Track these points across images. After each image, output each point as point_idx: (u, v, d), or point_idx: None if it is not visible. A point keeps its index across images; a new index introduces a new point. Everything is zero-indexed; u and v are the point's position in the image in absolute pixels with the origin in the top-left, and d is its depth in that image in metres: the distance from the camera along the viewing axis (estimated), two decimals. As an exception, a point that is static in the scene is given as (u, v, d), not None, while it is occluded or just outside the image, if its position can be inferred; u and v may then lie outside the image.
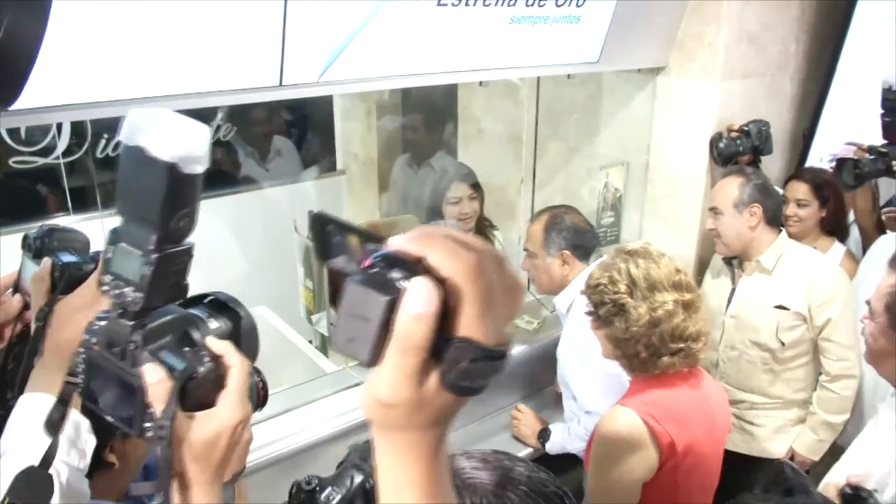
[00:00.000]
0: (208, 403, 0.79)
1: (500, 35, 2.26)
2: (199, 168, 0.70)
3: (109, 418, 0.79)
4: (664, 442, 1.69)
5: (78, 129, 3.42)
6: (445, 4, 2.06)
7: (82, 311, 0.96)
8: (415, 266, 0.53)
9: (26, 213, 3.37)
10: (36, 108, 1.47)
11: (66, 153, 3.46)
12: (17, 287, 1.17)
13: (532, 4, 2.25)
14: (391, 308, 0.52)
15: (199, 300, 0.86)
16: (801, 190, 2.89)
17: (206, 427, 0.78)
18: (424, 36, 2.09)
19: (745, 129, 2.86)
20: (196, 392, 0.77)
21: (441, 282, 0.52)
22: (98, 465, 1.12)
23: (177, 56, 1.65)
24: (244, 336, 0.85)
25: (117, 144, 3.58)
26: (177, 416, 0.75)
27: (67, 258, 1.06)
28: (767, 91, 3.02)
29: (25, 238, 1.17)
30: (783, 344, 2.52)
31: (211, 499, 0.79)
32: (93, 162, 3.48)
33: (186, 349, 0.79)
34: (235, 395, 0.79)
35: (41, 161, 3.42)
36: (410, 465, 0.58)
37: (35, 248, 1.15)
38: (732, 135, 2.85)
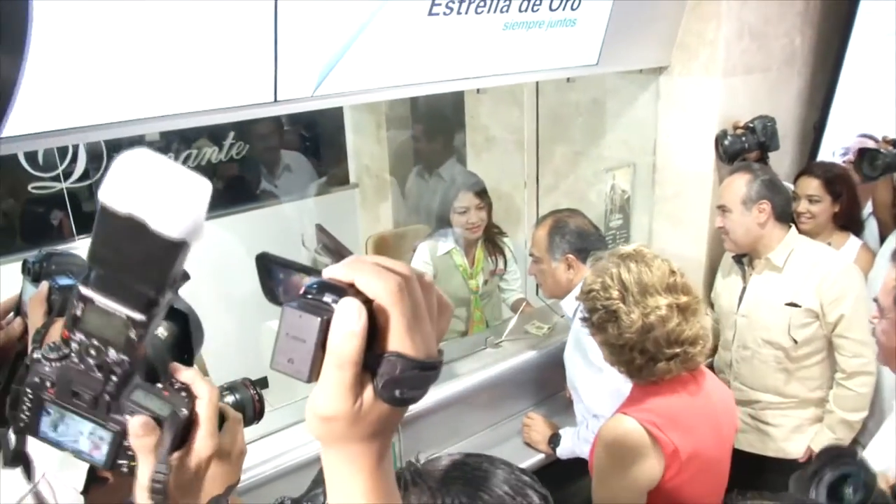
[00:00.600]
0: (186, 441, 0.75)
1: (496, 41, 2.26)
2: (201, 237, 0.61)
3: (67, 452, 0.74)
4: (668, 450, 1.66)
5: (96, 152, 3.49)
6: (437, 14, 2.07)
7: None
8: (345, 290, 0.57)
9: (46, 237, 3.44)
10: (27, 135, 1.50)
11: (82, 177, 3.54)
12: (18, 310, 1.20)
13: (525, 10, 2.26)
14: (325, 328, 0.56)
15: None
16: (812, 185, 2.85)
17: (185, 470, 0.75)
18: (419, 45, 2.10)
19: (751, 125, 2.84)
20: (178, 434, 0.73)
21: (369, 303, 0.56)
22: (93, 480, 1.13)
23: (171, 75, 1.68)
24: (194, 329, 0.81)
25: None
26: (149, 462, 0.71)
27: (64, 281, 1.06)
28: (773, 86, 2.99)
29: (25, 262, 1.19)
30: (796, 342, 2.48)
31: None
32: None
33: (159, 385, 0.73)
34: (208, 426, 0.76)
35: (60, 186, 3.49)
36: (356, 477, 0.61)
37: (34, 272, 1.16)
38: (738, 132, 2.83)
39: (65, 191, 2.96)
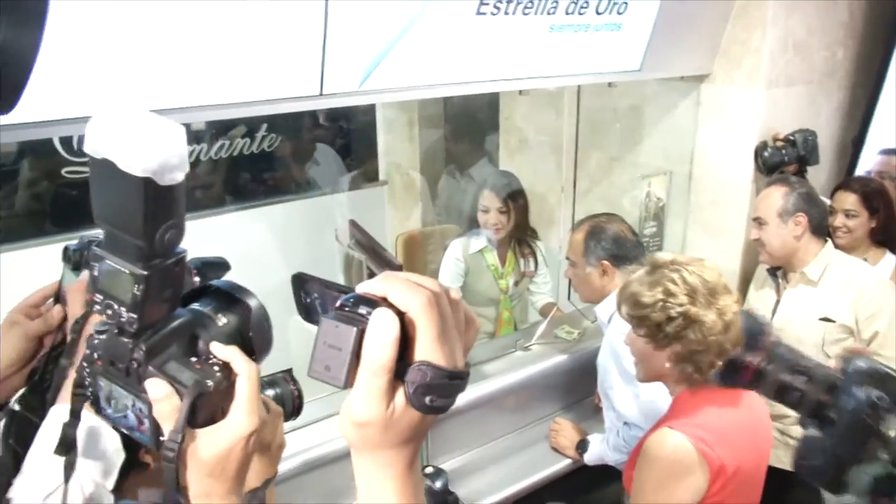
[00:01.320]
0: (218, 416, 0.75)
1: (541, 43, 2.25)
2: (179, 176, 0.65)
3: (124, 431, 0.77)
4: (714, 467, 1.63)
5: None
6: (485, 14, 2.06)
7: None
8: (378, 303, 0.61)
9: (79, 221, 3.46)
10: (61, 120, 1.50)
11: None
12: (58, 297, 1.17)
13: (572, 12, 2.25)
14: (360, 337, 0.60)
15: (203, 291, 0.80)
16: (849, 200, 2.81)
17: (218, 441, 0.75)
18: (464, 44, 2.10)
19: (791, 138, 2.81)
20: (206, 407, 0.73)
21: (401, 315, 0.61)
22: (133, 465, 1.13)
23: (217, 66, 1.68)
24: (254, 328, 0.79)
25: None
26: (186, 433, 0.72)
27: None
28: (814, 99, 2.96)
29: (66, 249, 1.17)
30: (829, 357, 2.45)
31: None
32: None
33: (193, 359, 0.74)
34: (245, 404, 0.76)
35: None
36: (387, 482, 0.65)
37: (74, 260, 1.14)
38: (778, 144, 2.80)
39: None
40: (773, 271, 2.63)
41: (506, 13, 2.10)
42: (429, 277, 0.65)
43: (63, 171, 3.47)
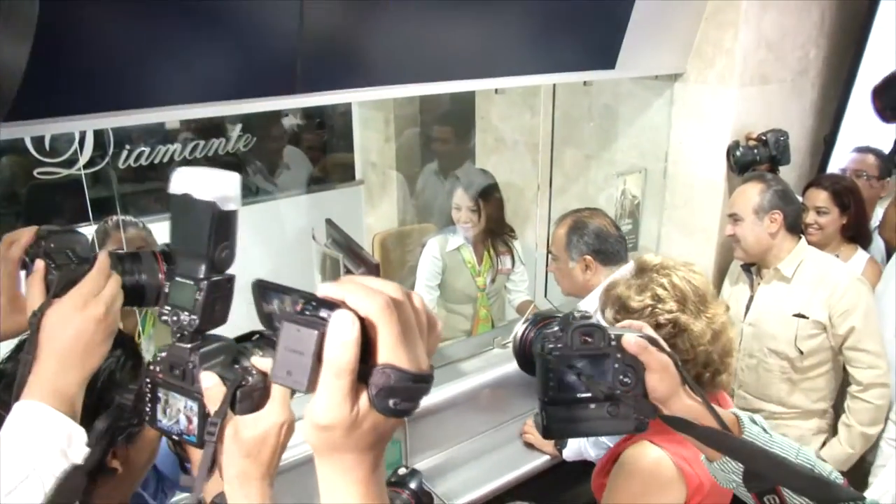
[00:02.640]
0: (258, 410, 0.90)
1: (517, 41, 2.26)
2: (234, 206, 0.86)
3: (175, 437, 0.93)
4: (693, 485, 1.57)
5: (99, 140, 3.47)
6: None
7: (74, 315, 0.99)
8: (338, 306, 0.62)
9: (51, 221, 3.40)
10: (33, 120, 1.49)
11: (88, 164, 3.51)
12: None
13: None
14: (321, 340, 0.61)
15: (248, 337, 0.98)
16: (820, 197, 2.86)
17: (255, 426, 0.88)
18: (440, 42, 2.09)
19: (763, 137, 2.83)
20: (246, 399, 0.89)
21: (361, 319, 0.61)
22: (102, 471, 1.12)
23: (190, 64, 1.67)
24: None
25: (139, 155, 3.60)
26: (230, 419, 0.88)
27: (62, 260, 1.07)
28: (787, 97, 3.00)
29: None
30: (802, 352, 2.49)
31: (263, 493, 0.90)
32: (114, 172, 3.53)
33: (237, 366, 0.92)
34: (279, 400, 0.90)
35: (65, 172, 3.46)
36: (351, 486, 0.65)
37: (31, 252, 1.12)
38: (750, 143, 2.83)
39: (84, 177, 2.95)
40: (747, 267, 2.66)
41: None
42: (389, 281, 0.66)
43: (35, 172, 3.42)
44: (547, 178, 3.00)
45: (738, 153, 2.82)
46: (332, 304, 0.62)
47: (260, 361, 0.92)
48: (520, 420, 2.61)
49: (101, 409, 1.05)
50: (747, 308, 2.63)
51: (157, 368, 0.93)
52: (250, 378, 0.90)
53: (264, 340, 0.97)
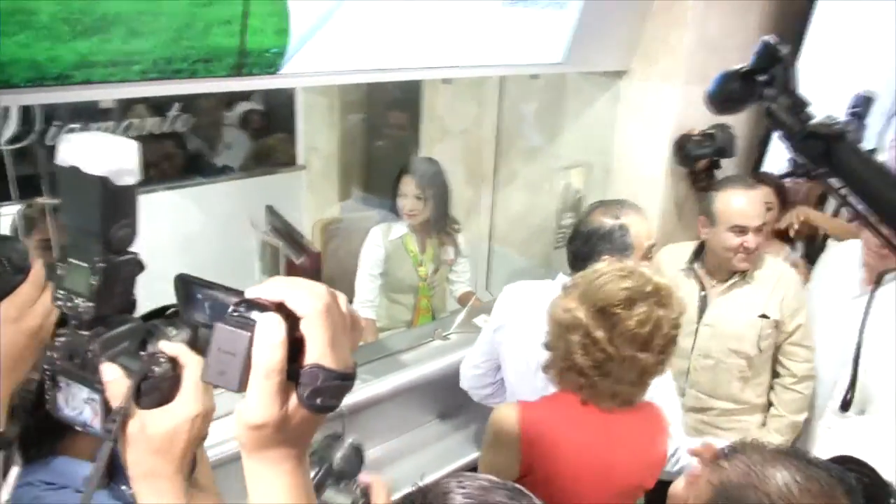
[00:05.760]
0: (167, 402, 0.83)
1: (466, 32, 2.24)
2: (131, 180, 0.77)
3: (79, 428, 0.84)
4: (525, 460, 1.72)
5: (29, 115, 3.31)
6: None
7: (10, 324, 0.93)
8: (269, 308, 0.65)
9: None
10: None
11: (14, 140, 3.35)
12: None
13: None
14: (252, 342, 0.64)
15: (161, 312, 0.89)
16: (768, 193, 2.89)
17: (164, 420, 0.81)
18: (388, 31, 2.06)
19: (710, 132, 2.88)
20: (153, 391, 0.81)
21: (296, 319, 0.64)
22: None
23: (134, 41, 1.60)
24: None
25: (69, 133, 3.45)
26: (135, 414, 0.80)
27: None
28: (727, 97, 3.05)
29: None
30: (760, 351, 2.54)
31: (177, 489, 0.85)
32: (43, 150, 3.37)
33: (143, 353, 0.83)
34: (191, 389, 0.83)
35: (-10, 147, 3.29)
36: (280, 479, 0.69)
37: None
38: (697, 137, 2.87)
39: (4, 153, 2.80)
40: (690, 268, 2.63)
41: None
42: (319, 283, 0.68)
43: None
44: (491, 169, 3.00)
45: (689, 146, 2.86)
46: (263, 307, 0.65)
47: (169, 346, 0.83)
48: (460, 413, 2.61)
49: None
50: (701, 308, 2.59)
51: (56, 355, 0.83)
52: (157, 368, 0.81)
53: (178, 317, 0.87)
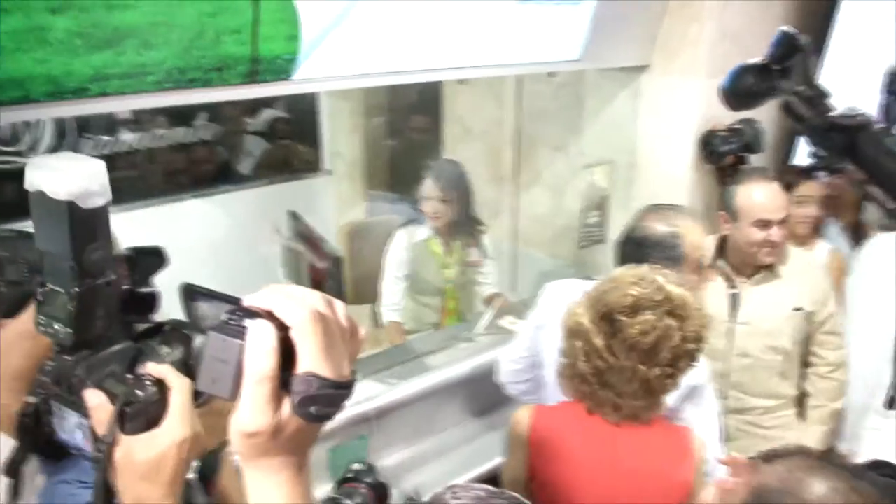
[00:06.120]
0: (152, 426, 0.80)
1: (480, 31, 2.23)
2: (101, 201, 0.75)
3: (74, 452, 0.83)
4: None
5: (63, 128, 3.39)
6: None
7: (28, 337, 0.90)
8: (262, 316, 0.64)
9: (9, 213, 3.32)
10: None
11: (48, 153, 3.43)
12: None
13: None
14: (244, 350, 0.64)
15: (158, 328, 0.87)
16: (816, 189, 2.83)
17: (150, 447, 0.79)
18: (403, 33, 2.06)
19: (736, 127, 2.83)
20: (139, 416, 0.79)
21: (285, 328, 0.64)
22: None
23: (147, 53, 1.62)
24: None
25: (100, 144, 3.52)
26: (121, 441, 0.78)
27: (12, 275, 0.97)
28: (752, 89, 3.00)
29: None
30: (797, 344, 2.50)
31: None
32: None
33: (129, 377, 0.80)
34: (178, 413, 0.80)
35: (23, 161, 3.38)
36: (278, 488, 0.68)
37: None
38: (724, 133, 2.81)
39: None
40: (714, 265, 2.50)
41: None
42: (312, 290, 0.68)
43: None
44: (514, 169, 2.99)
45: (715, 141, 2.80)
46: (256, 314, 0.64)
47: (156, 368, 0.81)
48: (487, 415, 2.60)
49: None
50: (733, 306, 2.53)
51: (47, 379, 0.82)
52: (141, 392, 0.78)
53: (174, 334, 0.86)
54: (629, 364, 1.56)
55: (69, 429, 0.82)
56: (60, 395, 0.81)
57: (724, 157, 2.82)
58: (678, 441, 1.70)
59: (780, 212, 2.40)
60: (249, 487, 0.70)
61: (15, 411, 0.86)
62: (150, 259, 0.99)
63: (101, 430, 0.78)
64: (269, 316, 0.64)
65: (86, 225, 0.75)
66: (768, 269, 2.49)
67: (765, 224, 2.39)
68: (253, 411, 0.64)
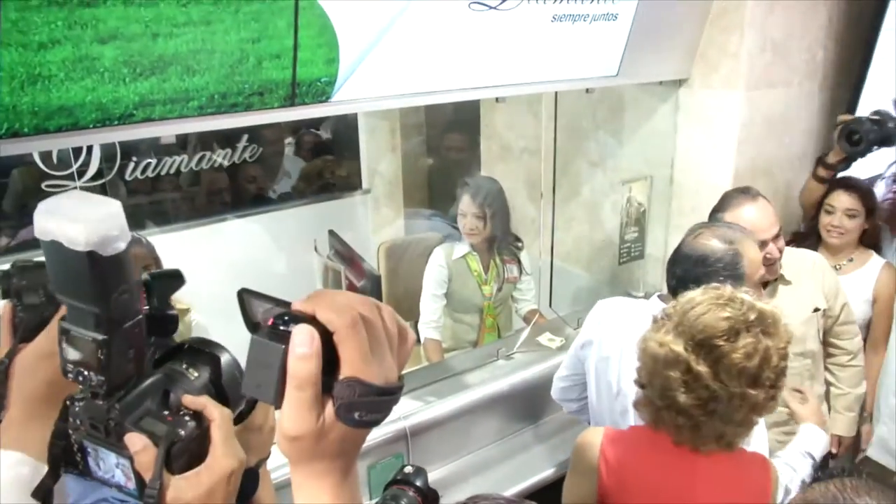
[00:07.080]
0: (196, 461, 0.80)
1: (516, 50, 2.24)
2: (122, 245, 0.71)
3: (113, 489, 0.81)
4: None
5: (110, 152, 3.49)
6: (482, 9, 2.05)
7: (45, 359, 0.88)
8: (306, 320, 0.63)
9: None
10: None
11: (96, 177, 3.53)
12: None
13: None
14: (286, 354, 0.62)
15: (177, 350, 0.86)
16: (850, 200, 2.76)
17: (199, 484, 0.79)
18: (440, 52, 2.08)
19: (876, 118, 2.72)
20: (183, 454, 0.78)
21: (329, 333, 0.63)
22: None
23: (190, 79, 1.66)
24: (226, 378, 0.83)
25: (145, 167, 3.60)
26: (168, 481, 0.77)
27: (31, 300, 0.95)
28: (794, 101, 2.96)
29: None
30: (820, 343, 2.51)
31: None
32: (123, 184, 3.55)
33: (166, 412, 0.80)
34: (221, 447, 0.81)
35: (73, 185, 3.48)
36: (323, 493, 0.68)
37: (2, 289, 0.99)
38: (873, 119, 2.73)
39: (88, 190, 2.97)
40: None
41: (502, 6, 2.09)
42: (359, 295, 0.69)
43: (43, 185, 3.44)
44: (550, 186, 2.98)
45: (863, 128, 2.68)
46: (300, 319, 0.63)
47: (195, 401, 0.80)
48: (524, 432, 2.59)
49: None
50: None
51: (78, 420, 0.79)
52: (182, 431, 0.77)
53: (200, 356, 0.85)
54: (738, 390, 1.47)
55: (107, 468, 0.80)
56: (95, 436, 0.79)
57: (871, 148, 2.69)
58: (758, 468, 1.65)
59: (773, 228, 2.35)
60: (294, 490, 0.69)
61: (39, 434, 0.85)
62: (167, 281, 0.97)
63: (146, 473, 0.77)
64: (313, 320, 0.63)
65: (109, 272, 0.71)
66: (775, 279, 2.49)
67: (761, 244, 2.29)
68: (295, 416, 0.64)
